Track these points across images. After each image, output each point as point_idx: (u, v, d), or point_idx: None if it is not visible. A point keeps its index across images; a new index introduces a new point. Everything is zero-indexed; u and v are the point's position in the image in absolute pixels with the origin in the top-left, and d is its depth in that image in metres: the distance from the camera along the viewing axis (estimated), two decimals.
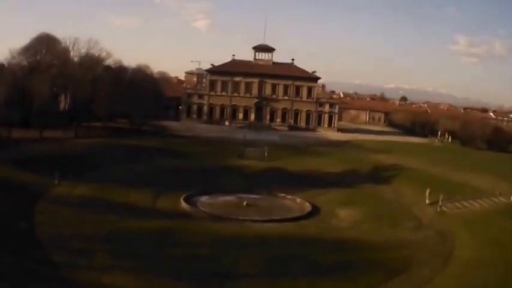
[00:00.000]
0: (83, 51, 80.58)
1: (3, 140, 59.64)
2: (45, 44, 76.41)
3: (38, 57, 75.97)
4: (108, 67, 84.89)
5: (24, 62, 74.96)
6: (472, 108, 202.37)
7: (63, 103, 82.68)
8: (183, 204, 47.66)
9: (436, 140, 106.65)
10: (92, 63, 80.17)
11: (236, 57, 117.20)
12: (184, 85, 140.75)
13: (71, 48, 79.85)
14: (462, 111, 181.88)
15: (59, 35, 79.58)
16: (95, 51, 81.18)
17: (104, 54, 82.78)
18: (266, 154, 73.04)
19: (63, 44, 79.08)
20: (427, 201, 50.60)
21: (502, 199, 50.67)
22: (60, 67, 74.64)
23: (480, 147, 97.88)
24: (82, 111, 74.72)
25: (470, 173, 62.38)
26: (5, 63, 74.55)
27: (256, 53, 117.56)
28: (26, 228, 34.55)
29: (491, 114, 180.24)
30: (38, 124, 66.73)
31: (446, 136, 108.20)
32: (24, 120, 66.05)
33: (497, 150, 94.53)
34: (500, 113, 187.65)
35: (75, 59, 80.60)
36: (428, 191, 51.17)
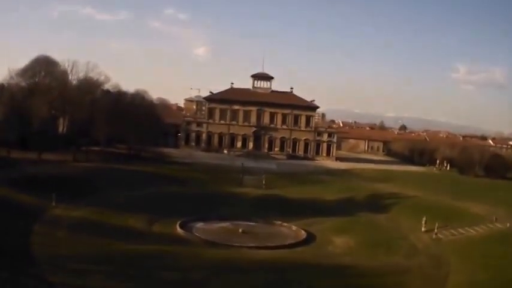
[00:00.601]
0: (81, 74, 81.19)
1: (2, 160, 60.16)
2: (44, 66, 77.33)
3: (37, 79, 76.89)
4: (107, 91, 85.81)
5: (23, 83, 75.80)
6: (471, 136, 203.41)
7: (62, 126, 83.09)
8: (179, 230, 47.79)
9: (434, 168, 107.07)
10: (90, 87, 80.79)
11: (235, 85, 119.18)
12: (183, 112, 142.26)
13: (69, 71, 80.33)
14: (461, 139, 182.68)
15: (58, 58, 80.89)
16: (93, 75, 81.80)
17: (102, 78, 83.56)
18: (264, 182, 73.40)
19: (61, 67, 79.74)
20: (423, 229, 50.83)
21: (499, 225, 50.85)
22: (58, 90, 75.43)
23: (478, 175, 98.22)
24: (80, 135, 75.34)
25: (467, 200, 62.85)
26: (4, 83, 75.39)
27: (255, 81, 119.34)
28: (22, 247, 34.54)
29: (490, 141, 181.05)
30: (36, 146, 67.13)
31: (445, 164, 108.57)
32: (23, 141, 66.59)
33: (495, 177, 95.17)
34: (500, 140, 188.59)
35: (74, 82, 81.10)
36: (424, 218, 51.47)
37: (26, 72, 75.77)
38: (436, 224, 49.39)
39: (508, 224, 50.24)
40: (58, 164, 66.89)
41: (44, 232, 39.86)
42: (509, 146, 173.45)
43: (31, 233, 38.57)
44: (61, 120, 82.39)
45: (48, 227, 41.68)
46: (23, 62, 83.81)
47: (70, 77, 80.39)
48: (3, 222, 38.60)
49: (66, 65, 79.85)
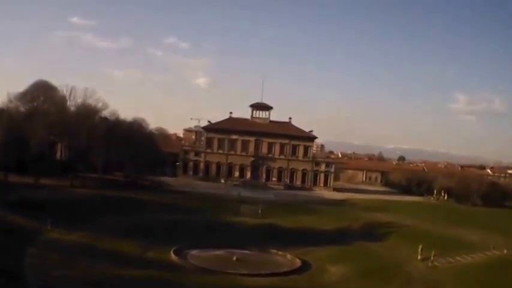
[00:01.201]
0: (79, 100, 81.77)
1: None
2: (42, 91, 78.14)
3: (35, 104, 77.45)
4: (105, 118, 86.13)
5: (22, 108, 76.46)
6: (469, 166, 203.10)
7: (60, 151, 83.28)
8: (173, 256, 47.78)
9: (432, 198, 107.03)
10: (88, 113, 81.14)
11: (234, 115, 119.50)
12: (182, 142, 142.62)
13: (67, 97, 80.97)
14: (459, 168, 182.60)
15: (56, 83, 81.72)
16: (91, 101, 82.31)
17: (100, 105, 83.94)
18: (260, 211, 73.17)
19: (60, 92, 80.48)
20: (419, 257, 50.55)
21: (496, 252, 50.92)
22: (57, 115, 75.85)
23: (476, 204, 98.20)
24: (78, 161, 75.77)
25: (464, 228, 63.09)
26: (3, 106, 75.87)
27: (254, 111, 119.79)
28: (15, 268, 34.64)
29: (489, 171, 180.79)
30: (34, 171, 67.47)
31: (442, 194, 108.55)
32: (21, 165, 66.79)
33: (493, 206, 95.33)
34: (498, 169, 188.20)
35: (72, 108, 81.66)
36: (420, 247, 51.27)
37: (24, 96, 76.40)
38: (432, 252, 49.21)
39: (505, 251, 50.12)
40: (55, 189, 67.03)
41: (37, 254, 39.94)
42: (507, 175, 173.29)
43: (25, 255, 38.67)
44: (59, 145, 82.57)
45: (43, 250, 41.77)
46: (22, 85, 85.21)
47: (68, 103, 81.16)
48: None
49: (65, 90, 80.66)
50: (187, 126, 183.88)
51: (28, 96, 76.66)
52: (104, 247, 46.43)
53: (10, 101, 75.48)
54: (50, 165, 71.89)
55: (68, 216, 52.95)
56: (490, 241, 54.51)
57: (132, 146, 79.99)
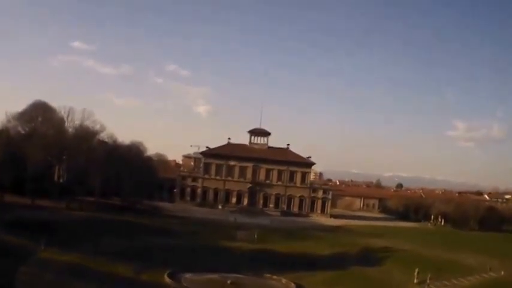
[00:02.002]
0: (77, 122, 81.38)
1: None
2: (41, 111, 78.11)
3: (34, 124, 77.53)
4: (103, 142, 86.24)
5: (20, 127, 76.66)
6: (467, 192, 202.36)
7: (57, 173, 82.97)
8: (167, 279, 47.41)
9: (429, 224, 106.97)
10: (86, 135, 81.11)
11: (232, 140, 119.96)
12: (181, 168, 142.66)
13: (65, 118, 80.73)
14: (457, 195, 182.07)
15: (54, 104, 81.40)
16: (89, 123, 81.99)
17: (98, 127, 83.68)
18: (256, 236, 72.87)
19: (58, 114, 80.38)
20: (415, 281, 50.55)
21: (493, 274, 50.84)
22: (55, 137, 75.94)
23: (473, 229, 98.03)
24: (75, 183, 75.71)
25: (461, 252, 63.14)
26: (1, 126, 75.79)
27: (252, 137, 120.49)
28: (6, 285, 34.67)
29: (486, 196, 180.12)
30: (31, 191, 67.50)
31: (440, 219, 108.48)
32: (18, 185, 66.87)
33: (490, 230, 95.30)
34: (495, 194, 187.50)
35: (70, 129, 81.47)
36: (417, 270, 51.24)
37: (23, 116, 76.51)
38: (429, 275, 49.30)
39: (502, 272, 50.03)
40: (51, 211, 67.01)
41: (29, 272, 39.89)
42: (504, 200, 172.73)
43: (16, 272, 38.65)
44: (57, 167, 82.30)
45: (35, 269, 41.66)
46: (21, 106, 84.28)
47: (66, 124, 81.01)
48: None
49: (63, 111, 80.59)
50: (186, 152, 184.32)
51: (26, 117, 76.83)
52: (98, 268, 46.02)
53: (8, 120, 75.69)
54: (47, 186, 72.06)
55: (62, 237, 52.70)
56: (487, 264, 54.64)
57: (129, 170, 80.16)
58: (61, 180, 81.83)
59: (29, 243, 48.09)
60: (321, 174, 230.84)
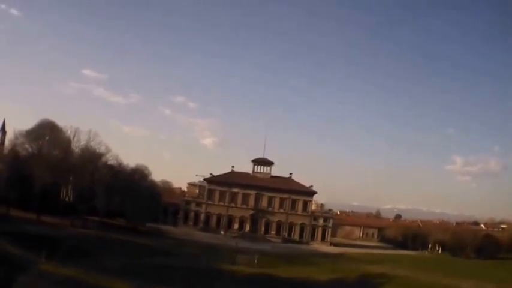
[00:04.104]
0: (83, 143, 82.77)
1: (1, 217, 62.17)
2: (48, 130, 79.47)
3: (41, 143, 78.85)
4: (109, 165, 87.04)
5: (27, 145, 78.02)
6: (464, 222, 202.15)
7: (63, 192, 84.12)
8: None
9: (426, 252, 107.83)
10: (91, 157, 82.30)
11: (236, 169, 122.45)
12: (186, 195, 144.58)
13: (72, 138, 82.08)
14: (454, 225, 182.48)
15: (61, 123, 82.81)
16: (94, 144, 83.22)
17: (103, 148, 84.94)
18: (256, 261, 74.08)
19: (65, 134, 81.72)
20: None
21: None
22: (61, 156, 77.68)
23: (470, 257, 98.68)
24: (80, 202, 76.94)
25: (457, 278, 63.31)
26: (9, 143, 78.41)
27: (255, 166, 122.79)
28: None
29: (483, 226, 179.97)
30: (36, 208, 69.15)
31: (437, 248, 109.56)
32: (24, 201, 68.46)
33: (487, 258, 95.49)
34: (491, 224, 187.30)
35: (76, 150, 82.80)
36: None
37: (30, 134, 77.87)
38: None
39: None
40: (55, 227, 68.39)
41: (27, 282, 40.94)
42: (500, 229, 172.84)
43: (15, 282, 39.72)
44: (63, 186, 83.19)
45: (34, 279, 42.63)
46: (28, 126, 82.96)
47: (72, 144, 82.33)
48: None
49: (69, 131, 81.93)
50: (191, 180, 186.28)
51: (34, 135, 78.22)
52: (96, 283, 46.68)
53: (16, 137, 77.74)
54: (53, 204, 73.52)
55: (64, 252, 53.43)
56: None
57: (134, 192, 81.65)
58: (67, 199, 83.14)
59: (30, 255, 49.25)
60: (322, 205, 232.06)
